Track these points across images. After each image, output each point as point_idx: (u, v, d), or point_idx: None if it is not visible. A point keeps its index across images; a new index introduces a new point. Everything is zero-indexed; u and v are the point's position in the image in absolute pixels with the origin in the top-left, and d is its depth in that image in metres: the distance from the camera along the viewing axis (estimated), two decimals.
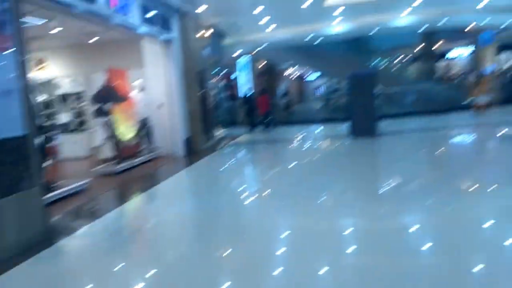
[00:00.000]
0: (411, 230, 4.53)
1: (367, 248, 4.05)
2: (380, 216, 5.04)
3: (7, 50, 4.70)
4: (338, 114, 17.53)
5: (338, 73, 22.04)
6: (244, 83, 20.91)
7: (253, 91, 19.33)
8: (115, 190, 7.92)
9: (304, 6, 12.23)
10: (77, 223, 5.86)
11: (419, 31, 21.62)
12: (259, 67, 25.08)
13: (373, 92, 12.06)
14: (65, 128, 11.54)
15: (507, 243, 3.96)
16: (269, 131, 16.27)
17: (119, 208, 6.66)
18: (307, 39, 18.92)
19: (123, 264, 4.23)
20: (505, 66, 24.25)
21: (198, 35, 11.92)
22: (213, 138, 12.90)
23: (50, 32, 9.23)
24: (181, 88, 11.16)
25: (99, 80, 9.60)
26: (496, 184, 6.19)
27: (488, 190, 5.99)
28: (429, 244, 4.11)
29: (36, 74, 11.22)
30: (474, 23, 17.61)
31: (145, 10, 9.22)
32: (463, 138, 11.81)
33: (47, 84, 11.70)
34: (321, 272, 3.65)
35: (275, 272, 3.71)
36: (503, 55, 25.10)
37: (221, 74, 21.67)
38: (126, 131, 9.61)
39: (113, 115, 9.13)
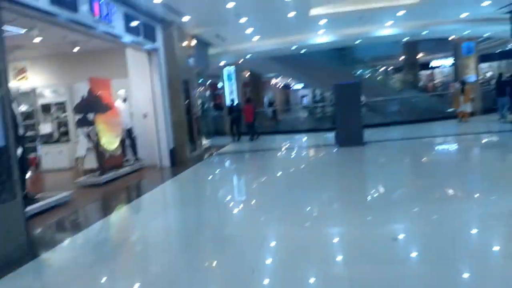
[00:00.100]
0: (398, 238, 4.51)
1: (353, 258, 4.00)
2: (366, 225, 5.01)
3: None
4: (323, 124, 17.63)
5: (323, 83, 22.24)
6: (230, 93, 20.90)
7: (238, 101, 19.33)
8: (99, 201, 7.78)
9: (289, 16, 12.27)
10: (60, 236, 5.73)
11: (402, 41, 21.98)
12: (245, 77, 25.16)
13: (358, 101, 12.16)
14: (47, 139, 11.34)
15: (490, 249, 4.00)
16: (254, 140, 16.24)
17: (103, 220, 6.51)
18: (292, 49, 19.05)
19: (107, 277, 4.11)
20: (487, 76, 24.76)
21: (183, 45, 11.88)
22: (199, 148, 12.81)
23: (31, 41, 9.09)
24: (166, 97, 11.07)
25: (82, 90, 9.47)
26: (479, 192, 6.27)
27: (474, 198, 6.07)
28: (415, 253, 4.10)
29: (17, 84, 11.01)
30: (456, 33, 17.96)
31: (129, 19, 9.14)
32: (446, 147, 11.94)
33: (29, 94, 11.50)
34: (306, 284, 3.59)
35: (260, 285, 3.65)
36: (485, 65, 25.64)
37: (207, 84, 21.63)
38: (110, 142, 9.47)
39: (96, 125, 8.99)
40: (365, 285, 3.41)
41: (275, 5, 11.38)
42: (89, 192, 8.31)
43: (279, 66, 22.78)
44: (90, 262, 4.60)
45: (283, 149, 14.13)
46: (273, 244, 4.72)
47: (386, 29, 16.35)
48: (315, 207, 6.08)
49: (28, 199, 6.38)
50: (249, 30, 13.98)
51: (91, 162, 9.50)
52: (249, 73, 25.92)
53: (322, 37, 16.83)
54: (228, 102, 19.95)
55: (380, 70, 30.53)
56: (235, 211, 6.61)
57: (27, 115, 11.03)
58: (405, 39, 20.85)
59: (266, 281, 3.70)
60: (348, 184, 7.60)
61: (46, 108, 11.72)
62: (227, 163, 12.13)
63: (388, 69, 30.76)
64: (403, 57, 26.84)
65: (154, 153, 10.94)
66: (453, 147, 11.88)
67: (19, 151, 5.90)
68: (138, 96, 10.90)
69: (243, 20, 12.15)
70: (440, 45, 22.97)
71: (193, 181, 9.69)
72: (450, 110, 17.24)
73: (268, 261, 4.17)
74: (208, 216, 6.23)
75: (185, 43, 12.09)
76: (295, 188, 7.66)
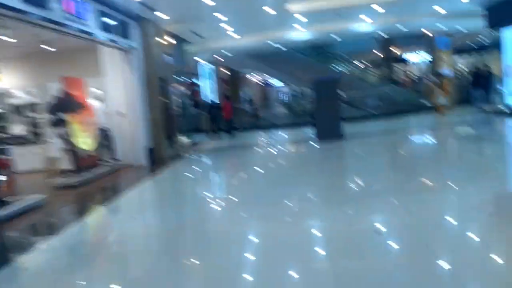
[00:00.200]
0: (380, 230, 4.52)
1: (336, 251, 4.01)
2: (347, 218, 5.03)
3: None
4: (303, 119, 17.66)
5: (301, 79, 22.28)
6: (208, 90, 20.76)
7: (217, 98, 19.22)
8: (74, 203, 7.60)
9: (267, 12, 12.22)
10: (34, 239, 5.56)
11: (379, 36, 22.17)
12: (223, 74, 25.03)
13: (336, 96, 12.23)
14: (20, 140, 11.04)
15: (468, 239, 4.05)
16: (233, 137, 16.18)
17: (79, 223, 6.36)
18: (270, 46, 19.02)
19: (84, 282, 4.00)
20: (462, 69, 25.22)
21: (159, 42, 11.71)
22: (177, 146, 12.66)
23: (1, 40, 8.81)
24: (143, 96, 10.88)
25: (55, 90, 9.25)
26: (457, 182, 6.36)
27: (453, 188, 6.15)
28: (398, 245, 4.13)
29: None
30: (432, 28, 18.21)
31: (103, 16, 8.95)
32: (423, 139, 12.11)
33: (1, 96, 11.20)
34: (291, 279, 3.57)
35: (244, 282, 3.60)
36: (460, 58, 26.11)
37: (185, 81, 21.44)
38: (85, 142, 9.27)
39: (70, 125, 8.78)
40: (349, 277, 3.41)
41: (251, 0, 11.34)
42: (64, 193, 8.11)
43: (257, 62, 22.72)
44: (66, 266, 4.48)
45: (262, 145, 14.11)
46: (256, 240, 4.69)
47: (363, 25, 16.47)
48: (296, 202, 6.06)
49: (1, 202, 6.20)
50: (226, 27, 13.89)
51: (66, 163, 9.28)
52: (227, 70, 25.80)
53: (299, 33, 16.85)
54: (206, 99, 19.81)
55: (357, 65, 30.78)
56: (215, 209, 6.53)
57: None
58: (382, 34, 21.04)
59: (249, 278, 3.66)
60: (329, 178, 7.62)
61: (18, 109, 11.42)
62: (206, 161, 12.03)
63: (366, 64, 31.06)
64: (380, 52, 27.15)
65: (132, 153, 10.74)
66: (429, 138, 12.07)
67: None
68: (114, 94, 10.69)
69: (221, 16, 12.06)
70: (416, 39, 23.24)
71: (172, 180, 9.57)
72: (426, 103, 17.52)
73: (252, 257, 4.14)
74: (188, 215, 6.16)
75: (161, 40, 11.92)
76: (276, 184, 7.63)
